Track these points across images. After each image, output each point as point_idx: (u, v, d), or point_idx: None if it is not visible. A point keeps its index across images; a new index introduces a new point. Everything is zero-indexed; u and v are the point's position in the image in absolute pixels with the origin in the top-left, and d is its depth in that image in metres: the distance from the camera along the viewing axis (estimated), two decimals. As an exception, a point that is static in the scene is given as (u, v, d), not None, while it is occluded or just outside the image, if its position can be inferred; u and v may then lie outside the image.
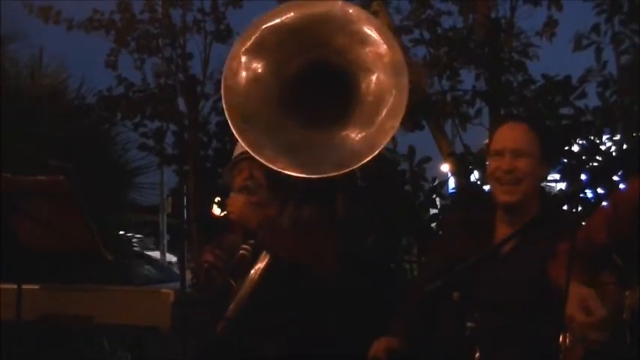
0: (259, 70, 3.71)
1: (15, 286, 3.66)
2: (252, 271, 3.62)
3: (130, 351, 5.29)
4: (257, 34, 3.70)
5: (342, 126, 3.67)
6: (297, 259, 3.63)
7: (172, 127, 8.41)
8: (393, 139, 6.23)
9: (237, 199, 3.78)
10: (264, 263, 3.63)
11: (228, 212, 3.77)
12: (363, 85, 3.65)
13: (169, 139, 8.40)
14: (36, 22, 8.24)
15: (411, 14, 6.64)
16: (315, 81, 3.73)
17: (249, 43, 3.70)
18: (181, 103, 8.49)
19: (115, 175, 8.74)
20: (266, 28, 3.69)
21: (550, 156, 3.43)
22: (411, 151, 6.23)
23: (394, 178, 6.19)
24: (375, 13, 6.56)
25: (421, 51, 6.59)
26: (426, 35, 6.56)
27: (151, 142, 8.35)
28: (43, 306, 3.80)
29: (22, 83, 8.55)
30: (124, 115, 8.31)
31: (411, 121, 6.47)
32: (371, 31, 3.63)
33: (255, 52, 3.69)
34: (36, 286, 3.82)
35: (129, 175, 8.97)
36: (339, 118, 3.68)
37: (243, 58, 3.70)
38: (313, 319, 3.68)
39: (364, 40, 3.63)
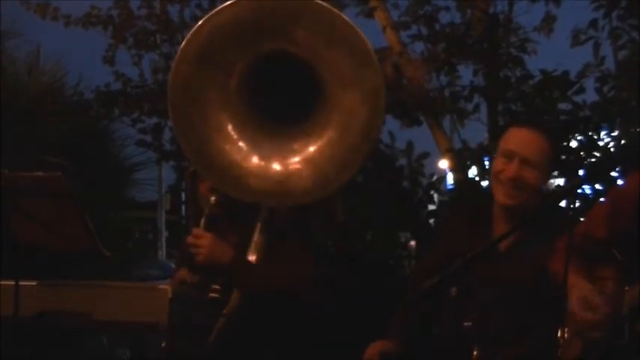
0: (211, 78, 3.32)
1: (12, 282, 3.66)
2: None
3: (130, 348, 5.28)
4: (202, 38, 3.28)
5: (311, 136, 3.34)
6: (271, 290, 3.43)
7: (170, 122, 8.41)
8: (391, 134, 6.26)
9: (204, 238, 3.40)
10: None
11: (195, 254, 3.39)
12: (333, 90, 3.28)
13: (167, 135, 8.41)
14: (33, 18, 8.24)
15: (409, 10, 6.64)
16: (277, 82, 3.40)
17: (193, 50, 3.30)
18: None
19: (114, 171, 8.74)
20: (211, 29, 3.28)
21: (556, 165, 3.40)
22: (409, 146, 6.23)
23: (392, 173, 6.19)
24: (373, 9, 6.57)
25: (419, 47, 6.61)
26: (424, 31, 6.57)
27: (148, 138, 8.35)
28: (41, 302, 3.80)
29: (20, 80, 8.55)
30: (122, 111, 8.31)
31: (409, 116, 6.48)
32: (338, 28, 3.23)
33: (202, 57, 3.29)
34: (33, 282, 3.81)
35: (127, 172, 8.97)
36: (308, 127, 3.36)
37: (191, 68, 3.30)
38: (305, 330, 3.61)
39: (330, 38, 3.24)
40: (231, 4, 3.26)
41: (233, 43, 3.30)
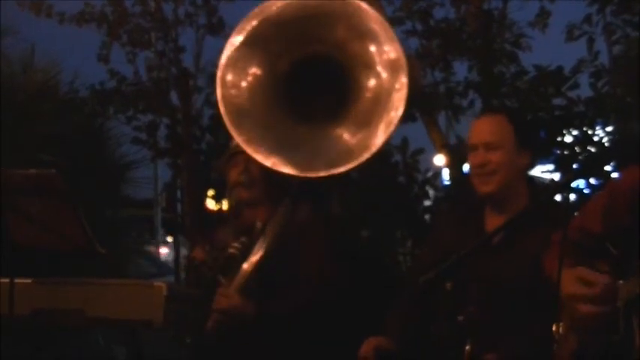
0: (255, 64, 3.61)
1: (7, 280, 3.65)
2: (245, 265, 3.59)
3: (126, 346, 5.28)
4: (253, 27, 3.58)
5: (338, 123, 3.59)
6: (286, 265, 3.60)
7: (165, 120, 8.41)
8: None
9: (232, 299, 3.63)
10: (257, 257, 3.59)
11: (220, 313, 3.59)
12: (362, 82, 3.56)
13: (162, 132, 8.41)
14: (27, 16, 8.23)
15: (403, 5, 6.65)
16: (313, 75, 3.64)
17: (244, 36, 3.59)
18: (174, 97, 8.50)
19: (109, 169, 8.72)
20: (262, 20, 3.58)
21: (530, 143, 3.42)
22: (405, 142, 6.23)
23: (387, 170, 6.19)
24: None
25: (414, 42, 6.61)
26: (419, 27, 6.57)
27: (143, 136, 8.35)
28: (36, 300, 3.79)
29: (15, 79, 8.52)
30: (117, 109, 8.31)
31: (403, 112, 6.47)
32: (371, 26, 3.51)
33: (251, 45, 3.59)
34: (28, 280, 3.81)
35: (123, 170, 8.94)
36: (335, 115, 3.61)
37: (239, 51, 3.59)
38: (303, 315, 3.67)
39: (364, 34, 3.52)
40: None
41: (279, 36, 3.59)
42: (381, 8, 6.62)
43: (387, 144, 6.12)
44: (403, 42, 6.54)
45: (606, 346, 2.73)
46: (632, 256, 2.73)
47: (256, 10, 3.61)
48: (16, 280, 3.68)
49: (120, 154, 8.97)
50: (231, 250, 3.58)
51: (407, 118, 6.50)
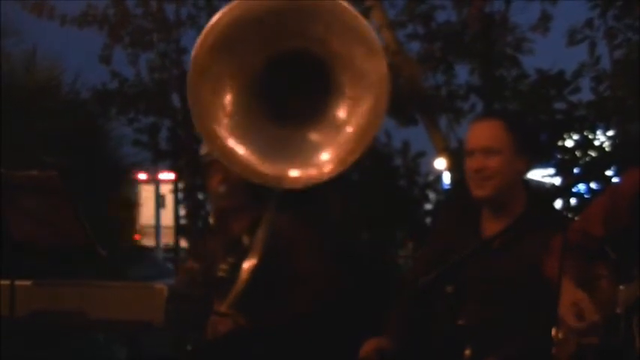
0: (226, 68, 3.50)
1: (8, 282, 3.65)
2: (244, 267, 3.58)
3: (127, 346, 5.28)
4: (222, 28, 3.49)
5: (318, 125, 3.54)
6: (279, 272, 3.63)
7: (167, 122, 8.40)
8: (388, 133, 6.26)
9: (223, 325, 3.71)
10: (247, 273, 3.56)
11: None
12: (341, 81, 3.50)
13: (164, 134, 8.40)
14: (29, 17, 8.22)
15: (405, 9, 6.64)
16: (289, 76, 3.57)
17: (212, 39, 3.49)
18: (175, 99, 8.49)
19: (110, 170, 8.72)
20: (231, 21, 3.48)
21: (529, 149, 3.41)
22: (406, 146, 6.23)
23: (388, 172, 6.20)
24: (369, 9, 6.57)
25: (415, 46, 6.61)
26: (420, 30, 6.57)
27: (145, 138, 8.34)
28: (36, 302, 3.79)
29: (16, 79, 8.52)
30: (119, 110, 8.30)
31: (405, 115, 6.48)
32: (350, 22, 3.45)
33: (220, 47, 3.49)
34: (28, 282, 3.80)
35: (123, 171, 8.94)
36: (315, 117, 3.55)
37: (208, 56, 3.49)
38: (302, 318, 3.67)
39: (342, 31, 3.44)
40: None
41: (251, 37, 3.49)
42: (383, 12, 6.64)
43: (387, 145, 6.20)
44: (405, 45, 6.60)
45: (606, 350, 2.74)
46: (632, 259, 2.73)
47: (222, 11, 3.53)
48: (17, 282, 3.67)
49: (120, 155, 8.97)
50: (220, 274, 3.57)
51: (408, 120, 6.52)
